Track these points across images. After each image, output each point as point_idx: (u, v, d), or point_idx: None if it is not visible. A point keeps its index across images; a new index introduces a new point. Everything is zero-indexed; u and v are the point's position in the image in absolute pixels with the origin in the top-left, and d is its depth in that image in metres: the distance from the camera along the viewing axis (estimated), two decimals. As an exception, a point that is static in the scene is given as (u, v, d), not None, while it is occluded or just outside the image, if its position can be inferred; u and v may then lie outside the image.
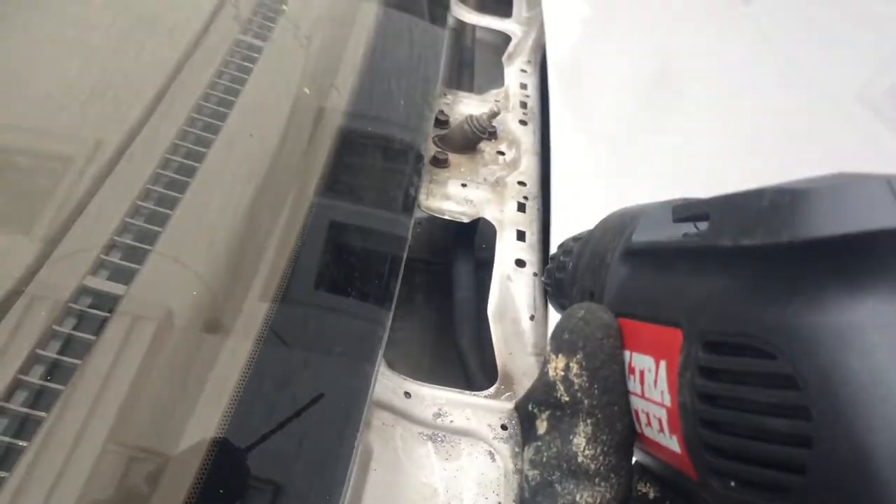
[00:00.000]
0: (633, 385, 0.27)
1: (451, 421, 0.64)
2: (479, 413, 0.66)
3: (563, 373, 0.28)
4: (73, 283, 0.56)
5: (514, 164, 0.94)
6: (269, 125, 0.80)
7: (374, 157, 0.85)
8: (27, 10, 0.81)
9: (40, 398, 0.50)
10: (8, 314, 0.52)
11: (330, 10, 1.04)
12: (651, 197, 0.91)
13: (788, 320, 0.19)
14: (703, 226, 0.25)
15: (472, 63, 1.21)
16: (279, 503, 0.52)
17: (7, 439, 0.47)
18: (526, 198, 0.89)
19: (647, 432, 0.26)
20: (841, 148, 0.94)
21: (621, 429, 0.27)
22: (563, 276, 0.37)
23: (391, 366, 0.68)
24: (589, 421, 0.27)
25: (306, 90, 0.86)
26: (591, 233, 0.36)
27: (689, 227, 0.26)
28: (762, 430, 0.20)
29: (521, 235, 0.84)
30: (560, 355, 0.28)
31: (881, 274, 0.18)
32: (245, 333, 0.59)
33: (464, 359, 0.77)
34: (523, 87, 1.09)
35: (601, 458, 0.27)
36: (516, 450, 0.64)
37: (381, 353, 0.63)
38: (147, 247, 0.61)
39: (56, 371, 0.51)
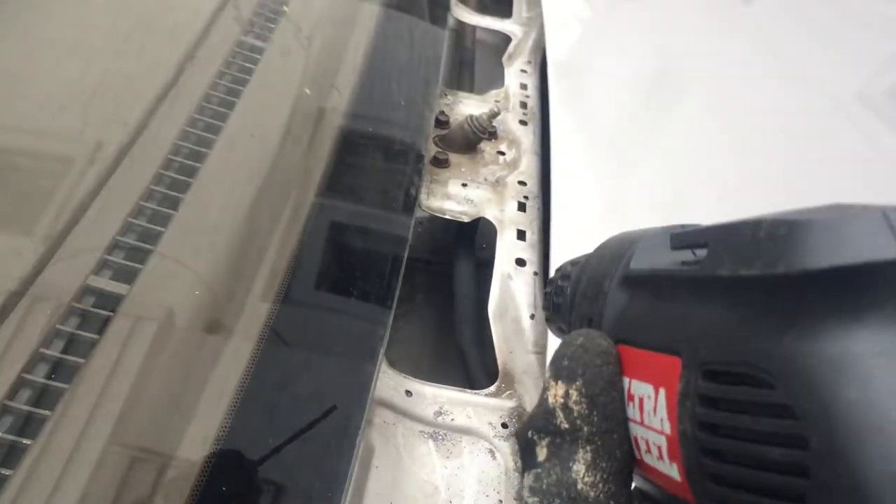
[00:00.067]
0: (633, 412, 0.27)
1: (452, 419, 0.65)
2: (480, 411, 0.66)
3: (562, 400, 0.28)
4: (76, 283, 0.57)
5: (514, 164, 0.94)
6: (270, 126, 0.80)
7: (374, 158, 0.85)
8: (28, 12, 0.81)
9: (44, 396, 0.50)
10: (12, 313, 0.53)
11: (331, 12, 1.04)
12: (651, 197, 0.91)
13: (785, 350, 0.20)
14: (700, 253, 0.25)
15: (473, 63, 1.22)
16: (281, 501, 0.53)
17: (11, 437, 0.47)
18: (526, 197, 0.89)
19: (647, 459, 0.26)
20: (841, 148, 0.94)
21: (621, 456, 0.27)
22: (560, 301, 0.37)
23: (392, 364, 0.68)
24: (589, 448, 0.28)
25: (307, 91, 0.86)
26: (588, 258, 0.36)
27: (686, 255, 0.27)
28: (761, 459, 0.20)
29: (521, 235, 0.84)
30: (559, 382, 0.28)
31: (876, 305, 0.19)
32: (247, 333, 0.60)
33: (464, 357, 0.77)
34: (523, 87, 1.09)
35: (601, 485, 0.27)
36: (517, 448, 0.64)
37: (382, 351, 0.63)
38: (149, 247, 0.61)
39: (59, 370, 0.52)
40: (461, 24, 1.25)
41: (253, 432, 0.54)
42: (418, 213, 0.82)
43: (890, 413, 0.18)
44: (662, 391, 0.25)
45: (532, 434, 0.29)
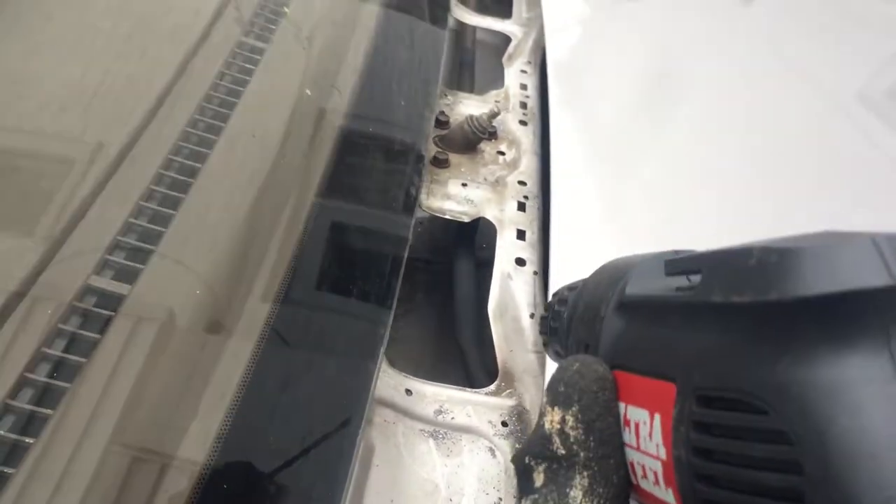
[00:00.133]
0: (629, 437, 0.27)
1: (452, 418, 0.65)
2: (480, 410, 0.66)
3: (559, 425, 0.28)
4: (77, 283, 0.57)
5: (514, 164, 0.95)
6: (270, 126, 0.80)
7: (374, 158, 0.85)
8: (29, 13, 0.82)
9: (46, 396, 0.50)
10: (14, 313, 0.53)
11: (331, 12, 1.04)
12: (651, 197, 0.91)
13: (779, 377, 0.20)
14: (694, 279, 0.26)
15: (473, 64, 1.22)
16: (282, 500, 0.53)
17: (14, 436, 0.48)
18: (526, 197, 0.90)
19: (643, 484, 0.26)
20: (841, 148, 0.94)
21: (617, 481, 0.28)
22: (557, 326, 0.37)
23: (393, 364, 0.68)
24: (585, 473, 0.28)
25: (308, 91, 0.87)
26: (585, 283, 0.36)
27: (680, 281, 0.27)
28: (756, 484, 0.20)
29: (521, 234, 0.84)
30: (556, 408, 0.29)
31: (867, 331, 0.19)
32: (247, 332, 0.60)
33: (464, 356, 0.78)
34: (523, 87, 1.09)
35: None
36: (517, 446, 0.64)
37: (382, 351, 0.63)
38: (151, 247, 0.62)
39: (62, 369, 0.52)
40: (461, 25, 1.25)
41: (254, 431, 0.54)
42: (418, 213, 0.82)
43: (883, 440, 0.18)
44: (658, 416, 0.25)
45: (529, 460, 0.29)
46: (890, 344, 0.19)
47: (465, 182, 0.89)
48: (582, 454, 0.28)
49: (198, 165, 0.70)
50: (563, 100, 1.00)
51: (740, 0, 1.33)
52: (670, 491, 0.24)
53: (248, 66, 0.84)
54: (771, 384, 0.20)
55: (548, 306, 0.40)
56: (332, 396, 0.60)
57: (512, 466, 0.62)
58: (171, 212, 0.65)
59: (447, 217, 0.85)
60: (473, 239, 0.92)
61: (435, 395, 0.66)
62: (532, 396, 0.68)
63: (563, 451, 0.28)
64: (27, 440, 0.48)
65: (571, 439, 0.28)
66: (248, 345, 0.59)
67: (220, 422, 0.53)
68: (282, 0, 0.98)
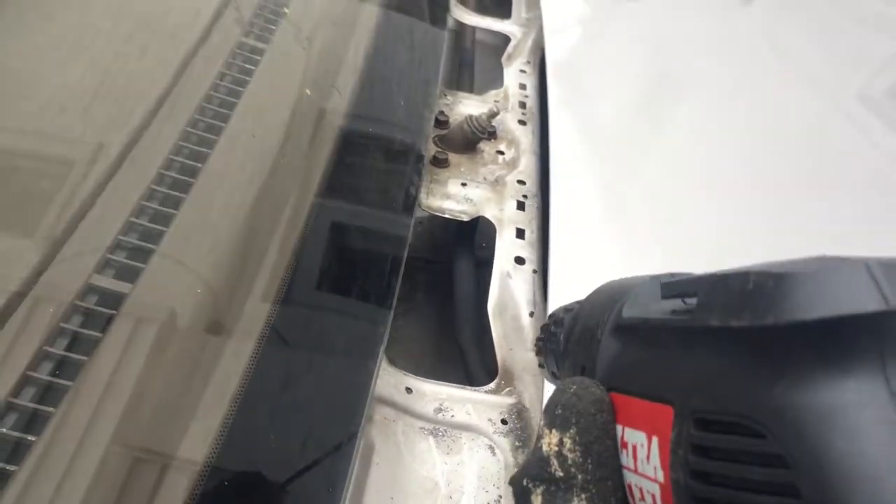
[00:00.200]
0: (626, 460, 0.27)
1: (452, 416, 0.65)
2: (480, 408, 0.66)
3: (556, 448, 0.29)
4: (79, 282, 0.57)
5: (513, 164, 0.95)
6: (270, 126, 0.81)
7: (374, 157, 0.86)
8: (30, 14, 0.82)
9: (48, 394, 0.51)
10: (16, 312, 0.53)
11: (331, 13, 1.05)
12: (650, 196, 0.91)
13: (776, 400, 0.20)
14: (690, 302, 0.26)
15: (472, 64, 1.22)
16: (282, 497, 0.53)
17: (16, 434, 0.48)
18: (525, 196, 0.90)
19: None
20: (841, 148, 0.94)
21: (615, 503, 0.28)
22: (554, 348, 0.38)
23: (393, 362, 0.69)
24: (584, 496, 0.28)
25: (307, 92, 0.87)
26: (581, 305, 0.37)
27: (677, 304, 0.27)
28: None
29: (520, 233, 0.85)
30: (553, 430, 0.29)
31: (862, 355, 0.20)
32: (248, 331, 0.60)
33: (464, 355, 0.78)
34: (522, 87, 1.10)
35: None
36: (516, 444, 0.65)
37: (382, 349, 0.64)
38: (152, 246, 0.62)
39: (63, 367, 0.52)
40: (461, 25, 1.25)
41: (255, 429, 0.55)
42: (418, 213, 0.82)
43: (880, 464, 0.18)
44: (655, 439, 0.25)
45: (527, 482, 0.30)
46: (885, 368, 0.19)
47: (464, 181, 0.90)
48: (580, 476, 0.28)
49: (198, 165, 0.71)
50: (563, 99, 1.00)
51: (740, 0, 1.33)
52: None
53: (248, 66, 0.84)
54: (768, 408, 0.20)
55: (543, 328, 0.40)
56: (332, 395, 0.60)
57: (512, 464, 0.63)
58: (171, 211, 0.65)
59: (447, 216, 0.85)
60: (473, 238, 0.92)
61: (435, 394, 0.67)
62: (531, 395, 0.69)
63: (562, 474, 0.28)
64: (30, 438, 0.48)
65: (569, 462, 0.28)
66: (249, 343, 0.59)
67: (221, 419, 0.53)
68: (281, 0, 0.98)
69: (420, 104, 0.94)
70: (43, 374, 0.51)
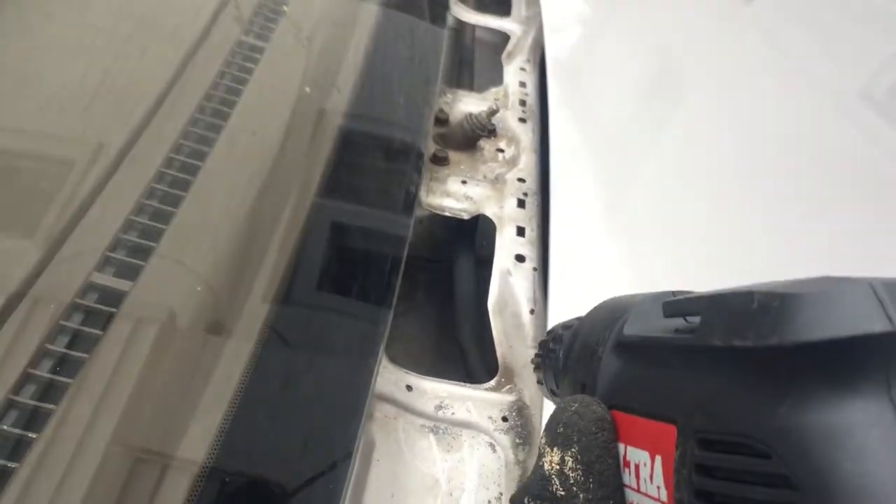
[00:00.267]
0: (629, 479, 0.27)
1: (453, 413, 0.65)
2: (480, 405, 0.66)
3: (558, 466, 0.28)
4: (79, 280, 0.57)
5: (513, 161, 0.95)
6: (270, 125, 0.81)
7: (374, 156, 0.86)
8: (30, 13, 0.82)
9: (49, 391, 0.51)
10: (17, 310, 0.53)
11: (330, 11, 1.05)
12: (649, 193, 0.91)
13: (781, 421, 0.20)
14: (692, 320, 0.26)
15: (472, 62, 1.22)
16: (283, 495, 0.53)
17: (17, 431, 0.48)
18: (525, 194, 0.90)
19: None
20: (843, 146, 0.94)
21: None
22: (553, 365, 0.37)
23: (393, 360, 0.69)
24: None
25: (307, 90, 0.87)
26: (581, 322, 0.36)
27: (679, 322, 0.27)
28: None
29: (520, 231, 0.85)
30: (555, 449, 0.29)
31: (867, 376, 0.20)
32: (248, 329, 0.60)
33: (465, 352, 0.78)
34: (522, 85, 1.10)
35: None
36: (517, 441, 0.65)
37: (382, 346, 0.64)
38: (152, 244, 0.62)
39: (64, 365, 0.52)
40: (460, 23, 1.25)
41: (255, 426, 0.55)
42: (418, 211, 0.82)
43: (885, 484, 0.18)
44: (658, 458, 0.25)
45: (528, 501, 0.29)
46: (890, 388, 0.19)
47: (464, 179, 0.90)
48: (581, 496, 0.28)
49: (198, 163, 0.71)
50: (562, 97, 1.00)
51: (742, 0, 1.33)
52: None
53: (247, 64, 0.84)
54: (773, 428, 0.20)
55: (541, 344, 0.40)
56: (332, 392, 0.60)
57: (512, 461, 0.63)
58: (172, 209, 0.65)
59: (447, 214, 0.85)
60: (473, 236, 0.92)
61: (435, 391, 0.67)
62: (532, 392, 0.69)
63: (563, 493, 0.28)
64: (30, 435, 0.48)
65: (571, 480, 0.28)
66: (250, 340, 0.59)
67: (221, 417, 0.53)
68: (281, -1, 0.98)
69: (420, 102, 0.94)
70: (43, 371, 0.51)
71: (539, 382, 0.40)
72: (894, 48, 1.13)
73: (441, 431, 0.64)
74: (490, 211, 0.86)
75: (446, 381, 0.68)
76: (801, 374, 0.20)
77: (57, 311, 0.55)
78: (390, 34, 1.04)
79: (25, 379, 0.51)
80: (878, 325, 0.19)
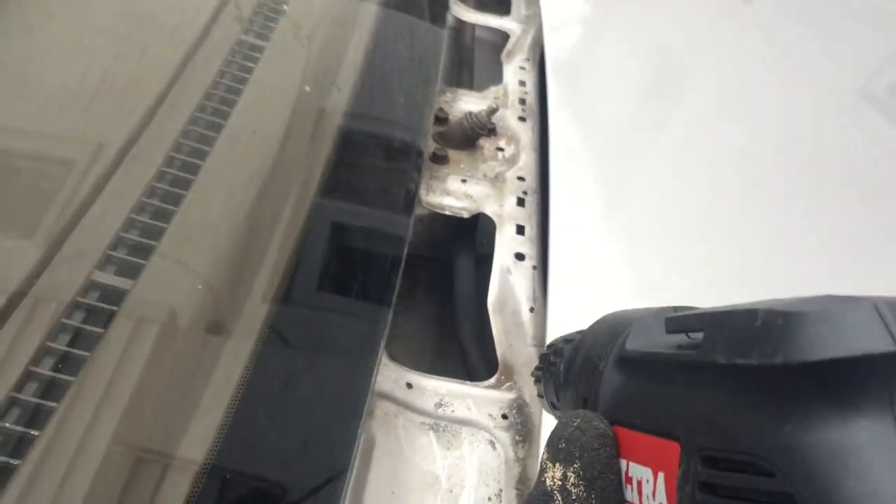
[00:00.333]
0: (631, 495, 0.27)
1: (453, 411, 0.65)
2: (480, 403, 0.67)
3: (560, 482, 0.28)
4: (81, 278, 0.57)
5: (513, 160, 0.95)
6: (270, 123, 0.81)
7: (374, 154, 0.86)
8: (30, 13, 0.82)
9: (51, 389, 0.51)
10: (18, 308, 0.54)
11: (330, 10, 1.05)
12: (649, 192, 0.92)
13: (786, 439, 0.20)
14: (695, 336, 0.26)
15: (472, 61, 1.23)
16: (284, 492, 0.53)
17: (20, 429, 0.48)
18: (525, 192, 0.90)
19: None
20: (844, 145, 0.94)
21: None
22: (554, 378, 0.38)
23: (393, 358, 0.69)
24: None
25: (307, 89, 0.87)
26: (582, 336, 0.36)
27: (681, 338, 0.27)
28: None
29: (520, 229, 0.85)
30: (557, 464, 0.29)
31: (872, 396, 0.20)
32: (249, 327, 0.60)
33: (464, 350, 0.78)
34: (522, 84, 1.10)
35: None
36: (517, 438, 0.65)
37: (382, 344, 0.64)
38: (153, 242, 0.62)
39: (66, 363, 0.53)
40: (460, 22, 1.25)
41: (256, 424, 0.55)
42: (418, 210, 0.83)
43: (888, 503, 0.18)
44: (661, 475, 0.25)
45: None
46: (894, 408, 0.19)
47: (464, 178, 0.90)
48: None
49: (199, 162, 0.71)
50: (562, 96, 1.00)
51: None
52: None
53: (248, 63, 0.85)
54: (777, 446, 0.20)
55: (542, 357, 0.40)
56: (333, 390, 0.60)
57: (512, 458, 0.63)
58: (172, 208, 0.66)
59: (447, 213, 0.86)
60: (473, 235, 0.92)
61: (435, 389, 0.67)
62: (532, 390, 0.69)
63: None
64: (32, 433, 0.48)
65: (573, 496, 0.28)
66: (250, 338, 0.59)
67: (222, 414, 0.53)
68: (281, -2, 0.98)
69: (420, 101, 0.94)
70: (45, 369, 0.52)
71: (539, 395, 0.40)
72: (894, 47, 1.13)
73: (441, 429, 0.64)
74: (490, 209, 0.87)
75: (446, 378, 0.69)
76: (806, 393, 0.20)
77: (58, 310, 0.55)
78: (390, 33, 1.04)
79: (27, 377, 0.51)
80: (881, 345, 0.19)
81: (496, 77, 1.12)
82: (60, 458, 0.48)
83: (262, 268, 0.65)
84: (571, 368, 0.35)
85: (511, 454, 0.64)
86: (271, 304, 0.63)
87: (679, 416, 0.25)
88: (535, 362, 0.71)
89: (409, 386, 0.67)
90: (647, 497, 0.26)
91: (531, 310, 0.76)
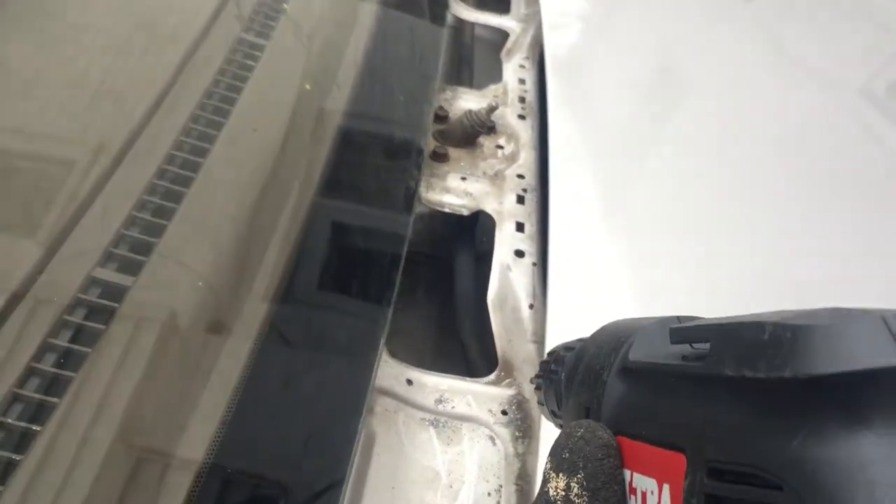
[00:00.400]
0: None
1: (453, 407, 0.66)
2: (480, 399, 0.67)
3: (563, 492, 0.28)
4: (82, 275, 0.58)
5: (512, 158, 0.95)
6: (271, 122, 0.81)
7: (374, 153, 0.86)
8: (30, 13, 0.82)
9: (53, 385, 0.51)
10: (20, 304, 0.54)
11: (330, 9, 1.05)
12: (648, 189, 0.92)
13: (794, 453, 0.20)
14: (700, 347, 0.26)
15: (471, 59, 1.23)
16: (284, 488, 0.54)
17: (22, 424, 0.48)
18: (525, 190, 0.90)
19: None
20: (844, 144, 0.94)
21: None
22: (555, 386, 0.37)
23: (393, 354, 0.69)
24: None
25: (307, 86, 0.87)
26: (584, 344, 0.36)
27: (685, 349, 0.27)
28: None
29: (520, 227, 0.85)
30: (560, 474, 0.29)
31: (881, 410, 0.20)
32: (249, 324, 0.61)
33: (464, 347, 0.78)
34: (521, 82, 1.10)
35: None
36: (517, 434, 0.65)
37: (382, 340, 0.64)
38: (154, 240, 0.62)
39: (67, 359, 0.53)
40: (460, 21, 1.25)
41: (257, 420, 0.55)
42: (418, 208, 0.83)
43: None
44: (667, 487, 0.25)
45: None
46: None
47: (464, 176, 0.90)
48: None
49: (199, 160, 0.71)
50: (562, 94, 1.01)
51: (741, -3, 1.33)
52: None
53: (248, 62, 0.85)
54: (786, 460, 0.20)
55: (542, 365, 0.39)
56: (333, 387, 0.60)
57: (512, 454, 0.63)
58: (173, 205, 0.66)
59: (447, 211, 0.86)
60: (473, 232, 0.93)
61: (435, 385, 0.67)
62: (531, 386, 0.69)
63: None
64: (35, 428, 0.48)
65: None
66: (250, 336, 0.60)
67: (223, 410, 0.54)
68: (281, -3, 0.99)
69: (419, 99, 0.95)
70: (47, 365, 0.52)
71: (539, 403, 0.40)
72: (894, 46, 1.13)
73: (441, 425, 0.64)
74: (490, 207, 0.87)
75: (446, 375, 0.69)
76: (814, 407, 0.20)
77: (60, 307, 0.55)
78: (390, 32, 1.04)
79: (29, 373, 0.51)
80: (890, 359, 0.19)
81: (496, 75, 1.12)
82: (63, 454, 0.48)
83: (262, 265, 0.65)
84: (573, 377, 0.35)
85: (511, 450, 0.64)
86: (272, 301, 0.63)
87: (685, 427, 0.25)
88: (535, 358, 0.72)
89: (410, 382, 0.67)
90: None
91: (531, 306, 0.76)
